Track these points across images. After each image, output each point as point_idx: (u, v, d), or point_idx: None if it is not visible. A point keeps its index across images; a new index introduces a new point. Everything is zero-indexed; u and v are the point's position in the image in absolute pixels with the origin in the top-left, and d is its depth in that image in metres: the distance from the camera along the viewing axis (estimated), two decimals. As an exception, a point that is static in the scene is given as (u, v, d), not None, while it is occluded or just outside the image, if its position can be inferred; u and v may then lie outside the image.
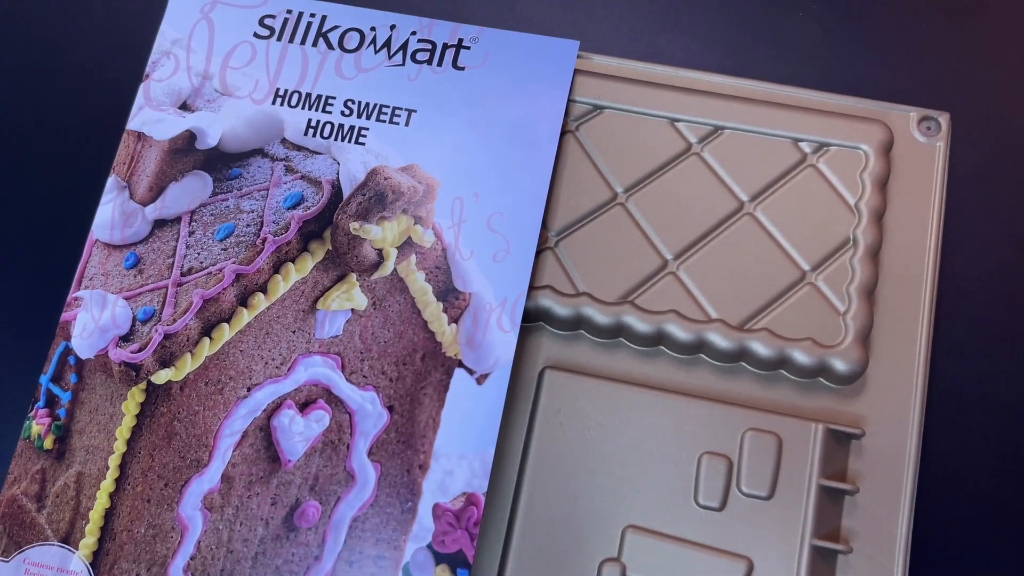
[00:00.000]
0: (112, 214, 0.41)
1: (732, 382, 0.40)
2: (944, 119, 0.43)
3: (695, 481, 0.38)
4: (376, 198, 0.40)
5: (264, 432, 0.37)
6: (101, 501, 0.37)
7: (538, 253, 0.40)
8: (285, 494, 0.37)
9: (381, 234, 0.39)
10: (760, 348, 0.39)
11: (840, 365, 0.39)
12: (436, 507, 0.36)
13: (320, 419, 0.37)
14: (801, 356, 0.39)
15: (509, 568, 0.36)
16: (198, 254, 0.40)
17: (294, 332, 0.38)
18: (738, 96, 0.43)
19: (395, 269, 0.39)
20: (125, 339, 0.39)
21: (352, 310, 0.39)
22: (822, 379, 0.40)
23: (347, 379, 0.38)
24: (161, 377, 0.38)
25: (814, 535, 0.37)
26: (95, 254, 0.41)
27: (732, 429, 0.38)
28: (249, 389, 0.38)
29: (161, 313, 0.39)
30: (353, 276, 0.39)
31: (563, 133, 0.42)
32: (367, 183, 0.40)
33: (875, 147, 0.42)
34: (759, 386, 0.40)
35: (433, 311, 0.38)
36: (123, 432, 0.38)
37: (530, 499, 0.37)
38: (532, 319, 0.40)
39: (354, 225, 0.39)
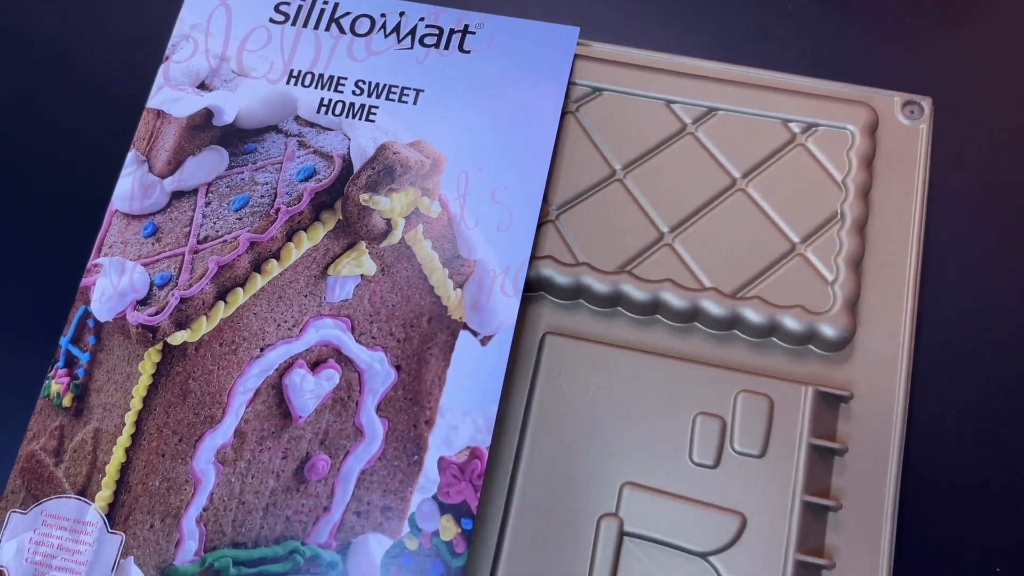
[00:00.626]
0: (132, 186, 0.43)
1: (725, 349, 0.41)
2: (927, 103, 0.45)
3: (690, 440, 0.39)
4: (385, 171, 0.41)
5: (276, 390, 0.39)
6: (117, 456, 0.38)
7: (540, 226, 0.42)
8: (296, 448, 0.38)
9: (390, 205, 0.41)
10: (752, 315, 0.41)
11: (829, 331, 0.40)
12: (441, 460, 0.37)
13: (330, 377, 0.39)
14: (791, 322, 0.40)
15: (511, 520, 0.38)
16: (214, 223, 0.42)
17: (306, 296, 0.40)
18: (730, 80, 0.45)
19: (403, 238, 0.41)
20: (142, 303, 0.40)
21: (361, 276, 0.40)
22: (812, 346, 0.41)
23: (356, 340, 0.39)
24: (177, 338, 0.40)
25: (805, 491, 0.38)
26: (115, 224, 0.42)
27: (725, 391, 0.40)
28: (262, 349, 0.39)
29: (178, 278, 0.40)
30: (363, 244, 0.41)
31: (564, 114, 0.44)
32: (376, 157, 0.42)
33: (861, 127, 0.44)
34: (751, 353, 0.41)
35: (439, 277, 0.40)
36: (139, 390, 0.39)
37: (531, 455, 0.39)
38: (533, 288, 0.42)
39: (364, 196, 0.41)
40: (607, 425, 0.39)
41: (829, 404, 0.40)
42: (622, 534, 0.38)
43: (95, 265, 0.41)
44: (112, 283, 0.41)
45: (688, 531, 0.38)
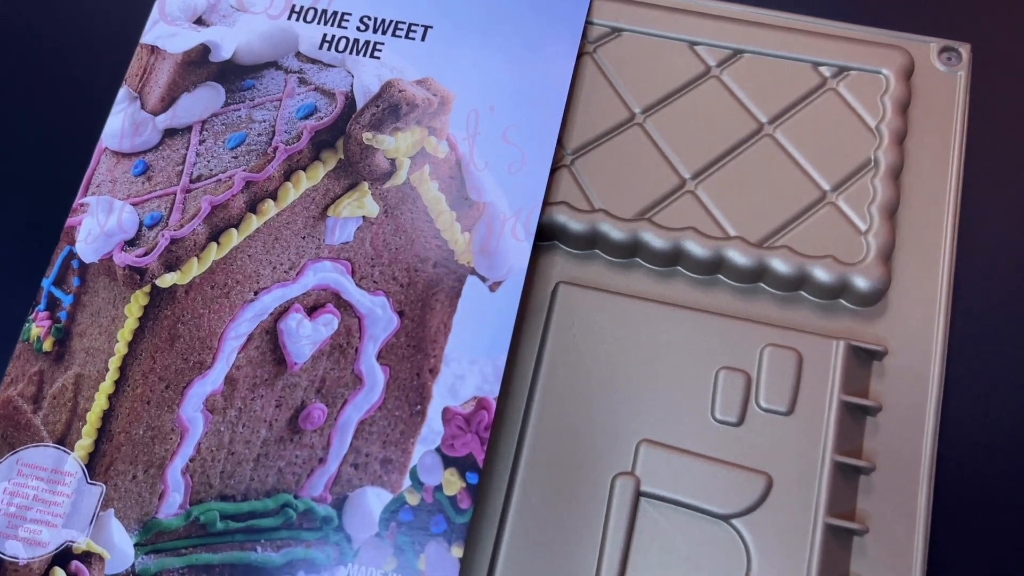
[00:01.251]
0: (122, 123, 0.40)
1: (750, 303, 0.39)
2: (965, 50, 0.42)
3: (712, 396, 0.37)
4: (390, 109, 0.39)
5: (270, 335, 0.36)
6: (99, 403, 0.36)
7: (553, 171, 0.40)
8: (290, 396, 0.36)
9: (394, 144, 0.39)
10: (780, 265, 0.38)
11: (862, 283, 0.38)
12: (446, 411, 0.35)
13: (328, 323, 0.36)
14: (822, 273, 0.38)
15: (520, 477, 0.35)
16: (208, 162, 0.39)
17: (303, 238, 0.38)
18: (758, 22, 0.43)
19: (408, 179, 0.38)
20: (131, 244, 0.38)
21: (363, 217, 0.38)
22: (843, 300, 0.39)
23: (357, 284, 0.37)
24: (166, 281, 0.37)
25: (835, 451, 0.35)
26: (103, 162, 0.40)
27: (751, 345, 0.37)
28: (256, 293, 0.37)
29: (168, 219, 0.38)
30: (365, 184, 0.38)
31: (581, 54, 0.42)
32: (381, 95, 0.39)
33: (896, 72, 0.41)
34: (778, 307, 0.39)
35: (446, 219, 0.38)
36: (125, 334, 0.37)
37: (542, 409, 0.36)
38: (546, 237, 0.39)
39: (367, 135, 0.39)
40: (623, 379, 0.37)
41: (862, 360, 0.37)
42: (638, 494, 0.35)
43: (81, 204, 0.39)
44: (99, 223, 0.38)
45: (709, 492, 0.35)
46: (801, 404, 0.36)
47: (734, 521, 0.35)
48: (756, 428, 0.36)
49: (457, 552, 0.33)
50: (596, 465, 0.36)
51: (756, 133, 0.41)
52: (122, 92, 0.41)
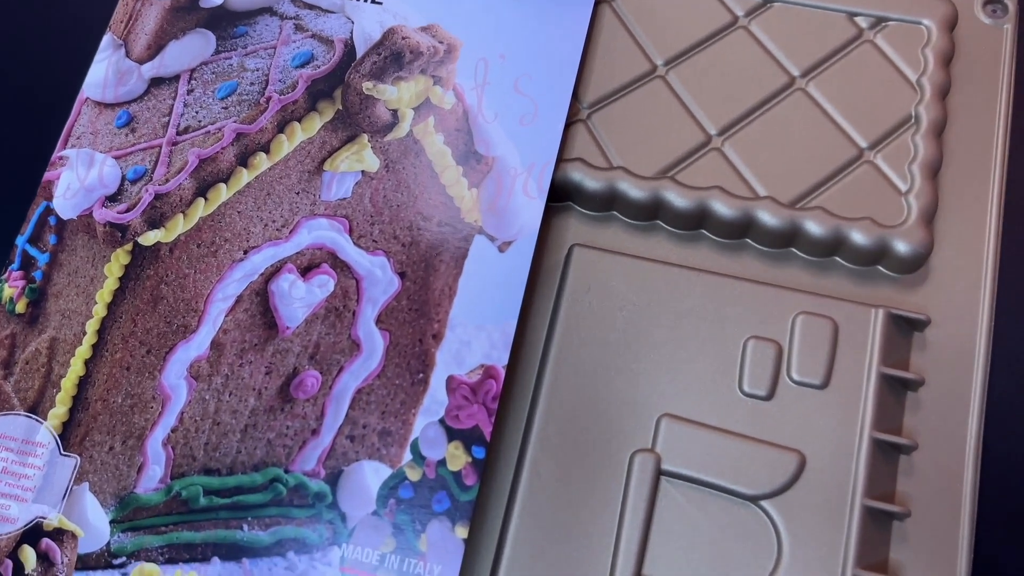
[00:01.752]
0: (106, 72, 0.38)
1: (780, 269, 0.36)
2: (1012, 1, 0.39)
3: (740, 367, 0.34)
4: (392, 58, 0.36)
5: (261, 297, 0.33)
6: (75, 368, 0.33)
7: (568, 126, 0.37)
8: (281, 363, 0.33)
9: (397, 94, 0.36)
10: (813, 227, 0.35)
11: (902, 247, 0.35)
12: (450, 379, 0.32)
13: (324, 284, 0.33)
14: (859, 236, 0.35)
15: (530, 452, 0.32)
16: (196, 113, 0.36)
17: (298, 193, 0.35)
18: (788, -31, 0.40)
19: (411, 131, 0.35)
20: (112, 199, 0.35)
21: (362, 172, 0.35)
22: (881, 267, 0.36)
23: (355, 243, 0.34)
24: (149, 238, 0.34)
25: (874, 428, 0.32)
26: (85, 113, 0.37)
27: (782, 312, 0.34)
28: (246, 252, 0.34)
29: (153, 173, 0.35)
30: (365, 137, 0.35)
31: (598, 2, 0.39)
32: (383, 42, 0.37)
33: (938, 22, 0.38)
34: (810, 274, 0.36)
35: (452, 175, 0.35)
36: (104, 295, 0.34)
37: (555, 380, 0.33)
38: (559, 197, 0.37)
39: (367, 85, 0.36)
40: (643, 348, 0.34)
41: (902, 331, 0.34)
42: (659, 473, 0.32)
43: (60, 157, 0.36)
44: (79, 177, 0.36)
45: (736, 471, 0.32)
46: (836, 377, 0.33)
47: (763, 503, 0.32)
48: (787, 402, 0.33)
49: (461, 532, 0.30)
50: (613, 441, 0.33)
51: (787, 87, 0.38)
52: (106, 39, 0.38)
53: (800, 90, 0.38)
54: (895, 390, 0.34)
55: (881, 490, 0.32)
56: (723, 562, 0.31)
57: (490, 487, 0.32)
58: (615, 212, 0.37)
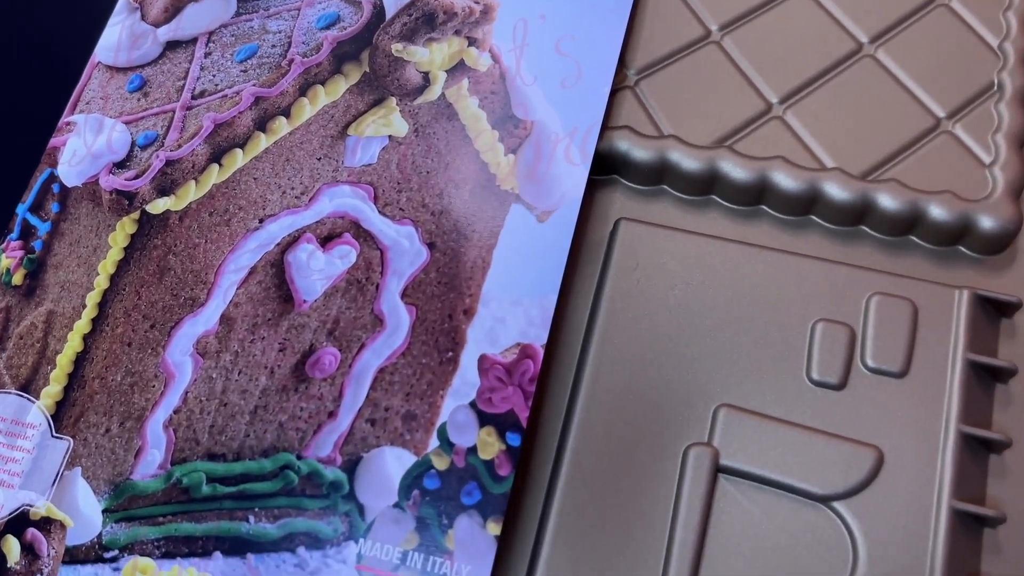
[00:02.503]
0: (120, 35, 0.35)
1: (850, 249, 0.32)
2: (1101, -35, 0.36)
3: (807, 353, 0.30)
4: (424, 19, 0.33)
5: (276, 269, 0.30)
6: (72, 344, 0.30)
7: (613, 93, 0.34)
8: (297, 339, 0.30)
9: (428, 56, 0.33)
10: (887, 201, 0.32)
11: (987, 223, 0.31)
12: (483, 359, 0.29)
13: (345, 255, 0.30)
14: (938, 212, 0.31)
15: (571, 442, 0.29)
16: (213, 76, 0.34)
17: (319, 159, 0.32)
18: (854, -69, 0.37)
19: (443, 94, 0.32)
20: (120, 166, 0.33)
21: (390, 137, 0.32)
22: (962, 247, 0.32)
23: (380, 211, 0.31)
24: (158, 206, 0.32)
25: (961, 421, 0.29)
26: (96, 77, 0.35)
27: (855, 293, 0.31)
28: (262, 220, 0.31)
29: (165, 138, 0.33)
30: (393, 100, 0.33)
31: (646, -36, 0.36)
32: (414, 2, 0.34)
33: (1022, -16, 0.35)
34: (883, 255, 0.32)
35: (487, 139, 0.32)
36: (107, 266, 0.31)
37: (599, 363, 0.30)
38: (604, 169, 0.33)
39: (397, 46, 0.33)
40: (698, 332, 0.30)
41: (989, 315, 0.31)
42: (716, 469, 0.29)
43: (68, 123, 0.34)
44: (85, 143, 0.33)
45: (805, 468, 0.29)
46: (917, 364, 0.30)
47: (835, 504, 0.28)
48: (862, 392, 0.29)
49: (494, 528, 0.27)
50: (665, 432, 0.29)
51: (855, 53, 0.35)
52: (121, 3, 0.36)
53: (869, 56, 0.34)
54: (983, 380, 0.30)
55: (970, 492, 0.28)
56: (791, 571, 0.28)
57: (526, 480, 0.29)
58: (665, 186, 0.34)
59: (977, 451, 0.29)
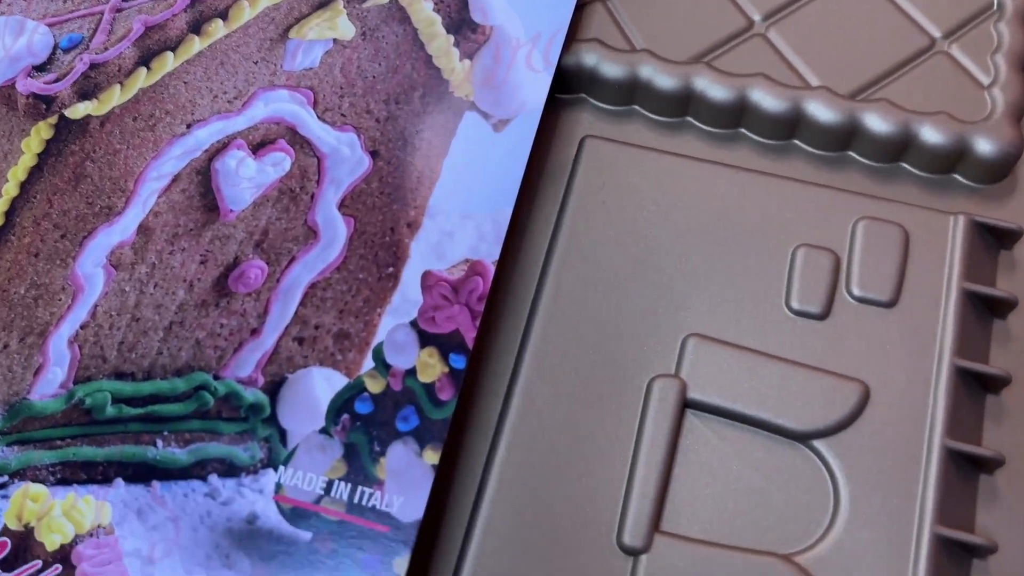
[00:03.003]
0: None
1: (835, 176, 0.30)
2: None
3: (787, 280, 0.27)
4: None
5: (202, 176, 0.28)
6: (-27, 254, 0.27)
7: (583, 5, 0.31)
8: (220, 251, 0.27)
9: None
10: (876, 123, 0.29)
11: (985, 146, 0.28)
12: (427, 275, 0.26)
13: (278, 163, 0.28)
14: (931, 134, 0.29)
15: (524, 370, 0.26)
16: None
17: (256, 63, 0.29)
18: None
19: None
20: (40, 69, 0.30)
21: (334, 41, 0.29)
22: (957, 175, 0.29)
23: (319, 117, 0.28)
24: (78, 111, 0.29)
25: (955, 355, 0.26)
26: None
27: (840, 218, 0.28)
28: (189, 126, 0.28)
29: (91, 41, 0.30)
30: (340, 3, 0.30)
31: None
32: None
33: (1024, -99, 0.32)
34: (872, 182, 0.30)
35: (441, 44, 0.29)
36: (17, 173, 0.28)
37: (558, 285, 0.27)
38: (570, 87, 0.31)
39: None
40: (667, 256, 0.28)
41: (987, 244, 0.28)
42: (684, 403, 0.26)
43: (-15, 25, 0.31)
44: (3, 46, 0.30)
45: (782, 403, 0.26)
46: (907, 293, 0.27)
47: (816, 443, 0.25)
48: (847, 322, 0.27)
49: (431, 457, 0.24)
50: (627, 362, 0.26)
51: (844, -30, 0.32)
52: None
53: (859, -26, 0.32)
54: (980, 313, 0.27)
55: (965, 432, 0.25)
56: (764, 514, 0.25)
57: (470, 408, 0.26)
58: (637, 106, 0.31)
59: (973, 388, 0.26)
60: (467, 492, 0.25)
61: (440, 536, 0.24)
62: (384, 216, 0.27)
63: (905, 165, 0.30)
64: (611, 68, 0.30)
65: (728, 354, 0.26)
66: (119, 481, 0.24)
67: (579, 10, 0.31)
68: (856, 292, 0.27)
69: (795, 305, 0.27)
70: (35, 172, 0.28)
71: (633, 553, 0.24)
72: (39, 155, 0.28)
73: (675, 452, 0.25)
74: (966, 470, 0.25)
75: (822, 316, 0.27)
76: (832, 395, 0.26)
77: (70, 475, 0.24)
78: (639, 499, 0.25)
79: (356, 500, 0.23)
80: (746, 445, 0.26)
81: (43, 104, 0.29)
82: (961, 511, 0.25)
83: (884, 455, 0.25)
